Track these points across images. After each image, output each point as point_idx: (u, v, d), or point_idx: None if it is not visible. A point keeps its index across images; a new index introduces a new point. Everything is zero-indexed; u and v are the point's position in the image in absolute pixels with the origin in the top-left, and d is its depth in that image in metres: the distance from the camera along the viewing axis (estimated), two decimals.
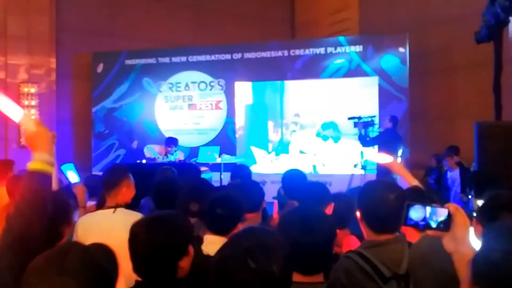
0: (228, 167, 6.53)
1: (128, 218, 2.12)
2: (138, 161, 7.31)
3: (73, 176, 2.99)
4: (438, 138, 7.70)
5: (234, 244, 1.24)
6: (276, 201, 3.39)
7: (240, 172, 4.03)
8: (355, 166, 7.38)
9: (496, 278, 0.96)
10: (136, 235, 1.61)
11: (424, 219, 1.31)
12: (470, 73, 7.96)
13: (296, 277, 1.44)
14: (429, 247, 1.47)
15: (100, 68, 9.43)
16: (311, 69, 8.71)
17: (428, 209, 1.31)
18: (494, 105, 5.28)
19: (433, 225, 1.30)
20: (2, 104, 1.67)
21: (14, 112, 1.68)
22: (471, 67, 7.85)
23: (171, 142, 7.41)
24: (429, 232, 1.32)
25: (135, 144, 8.49)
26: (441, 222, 1.29)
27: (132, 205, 2.78)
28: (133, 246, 1.61)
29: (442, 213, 1.29)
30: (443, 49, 8.52)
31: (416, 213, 1.32)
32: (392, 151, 6.68)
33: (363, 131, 6.83)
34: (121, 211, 2.57)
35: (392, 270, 1.82)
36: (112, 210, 2.56)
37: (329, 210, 2.48)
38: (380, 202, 1.92)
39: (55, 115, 8.90)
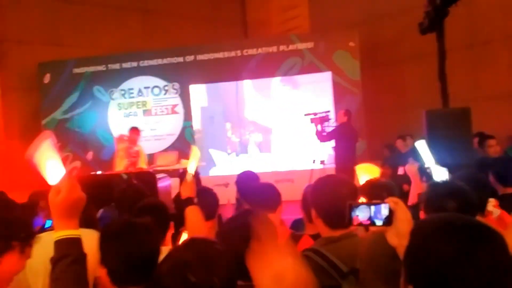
0: None
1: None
2: (93, 173, 7.06)
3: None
4: (392, 129, 7.90)
5: (172, 259, 1.20)
6: (231, 204, 3.35)
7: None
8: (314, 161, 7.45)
9: (424, 277, 0.95)
10: None
11: (370, 217, 1.31)
12: (417, 63, 8.22)
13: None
14: (374, 242, 1.47)
15: (47, 78, 9.06)
16: (265, 68, 8.72)
17: (372, 207, 1.31)
18: (441, 93, 5.45)
19: (378, 223, 1.31)
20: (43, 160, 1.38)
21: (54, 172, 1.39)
22: (418, 57, 8.11)
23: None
24: (373, 228, 1.32)
25: (90, 155, 8.20)
26: (384, 218, 1.30)
27: (88, 218, 2.63)
28: None
29: (384, 209, 1.30)
30: (391, 41, 8.76)
31: (361, 213, 1.32)
32: (348, 145, 6.83)
33: (319, 127, 6.90)
34: None
35: (349, 265, 1.81)
36: None
37: (279, 211, 2.46)
38: (333, 197, 1.92)
39: (2, 130, 8.47)
